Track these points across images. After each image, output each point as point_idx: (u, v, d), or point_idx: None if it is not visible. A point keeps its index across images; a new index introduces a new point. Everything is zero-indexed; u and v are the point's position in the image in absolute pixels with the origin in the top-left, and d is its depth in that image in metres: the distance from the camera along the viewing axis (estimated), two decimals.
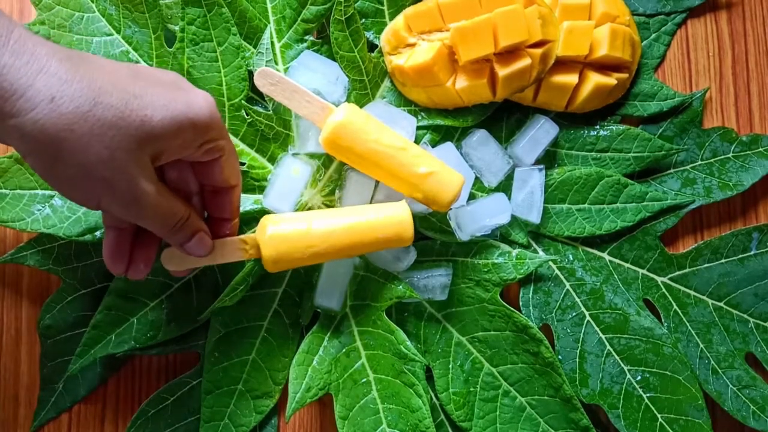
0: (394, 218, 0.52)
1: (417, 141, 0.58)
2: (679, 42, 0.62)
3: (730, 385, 0.57)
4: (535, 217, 0.57)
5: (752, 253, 0.59)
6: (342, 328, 0.56)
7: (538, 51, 0.54)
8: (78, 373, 0.57)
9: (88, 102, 0.38)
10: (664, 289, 0.59)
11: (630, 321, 0.57)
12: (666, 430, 0.56)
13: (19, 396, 0.59)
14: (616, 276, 0.59)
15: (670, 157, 0.60)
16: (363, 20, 0.57)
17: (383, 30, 0.57)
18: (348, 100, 0.57)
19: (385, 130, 0.53)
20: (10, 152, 0.54)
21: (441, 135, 0.58)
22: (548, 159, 0.59)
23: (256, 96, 0.58)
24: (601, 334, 0.58)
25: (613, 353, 0.57)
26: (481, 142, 0.58)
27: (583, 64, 0.57)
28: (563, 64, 0.57)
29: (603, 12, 0.57)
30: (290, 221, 0.51)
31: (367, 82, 0.57)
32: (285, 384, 0.56)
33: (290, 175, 0.55)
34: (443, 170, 0.53)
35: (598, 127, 0.59)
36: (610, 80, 0.57)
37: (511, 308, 0.56)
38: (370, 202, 0.57)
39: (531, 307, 0.58)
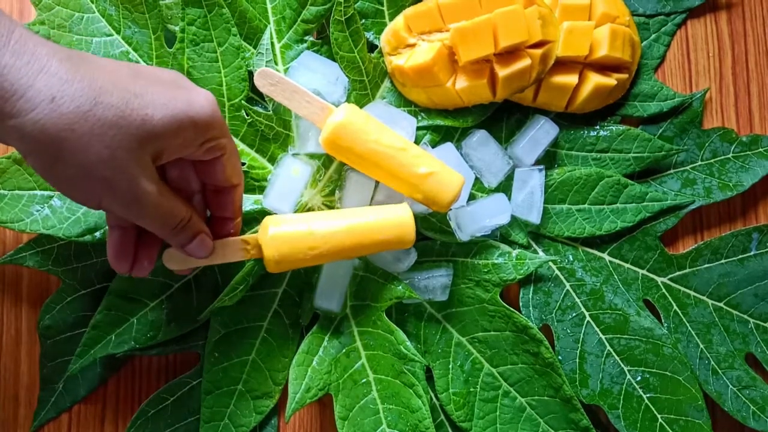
0: (395, 220, 0.52)
1: (417, 141, 0.58)
2: (679, 42, 0.62)
3: (730, 386, 0.57)
4: (535, 218, 0.57)
5: (752, 253, 0.59)
6: (342, 328, 0.56)
7: (538, 51, 0.54)
8: (78, 374, 0.57)
9: (89, 101, 0.37)
10: (664, 290, 0.59)
11: (630, 321, 0.57)
12: (666, 430, 0.56)
13: (19, 396, 0.59)
14: (616, 276, 0.59)
15: (670, 158, 0.60)
16: (363, 21, 0.57)
17: (383, 30, 0.57)
18: (348, 100, 0.57)
19: (385, 131, 0.53)
20: (9, 153, 0.54)
21: (441, 135, 0.58)
22: (548, 159, 0.59)
23: (256, 96, 0.58)
24: (601, 335, 0.58)
25: (613, 354, 0.57)
26: (481, 142, 0.58)
27: (583, 65, 0.57)
28: (563, 64, 0.57)
29: (603, 12, 0.57)
30: (292, 222, 0.51)
31: (367, 82, 0.57)
32: (285, 384, 0.56)
33: (290, 176, 0.55)
34: (443, 171, 0.53)
35: (598, 127, 0.59)
36: (610, 81, 0.57)
37: (511, 309, 0.56)
38: (370, 203, 0.57)
39: (531, 308, 0.58)
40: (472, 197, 0.58)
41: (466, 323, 0.57)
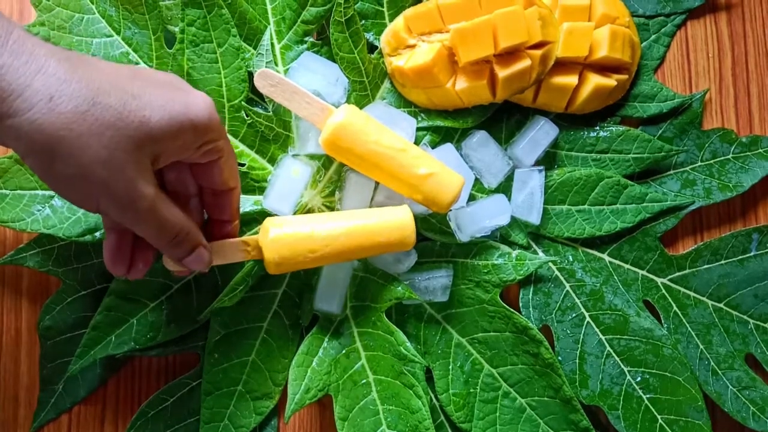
0: (396, 222, 0.52)
1: (417, 142, 0.58)
2: (678, 43, 0.62)
3: (730, 387, 0.57)
4: (534, 218, 0.57)
5: (752, 254, 0.59)
6: (342, 329, 0.56)
7: (538, 52, 0.54)
8: (78, 374, 0.57)
9: (87, 102, 0.37)
10: (663, 290, 0.59)
11: (630, 322, 0.57)
12: (666, 431, 0.56)
13: (19, 397, 0.59)
14: (616, 277, 0.59)
15: (670, 159, 0.60)
16: (363, 21, 0.57)
17: (383, 31, 0.57)
18: (348, 101, 0.57)
19: (384, 132, 0.53)
20: (11, 152, 0.54)
21: (441, 136, 0.59)
22: (548, 160, 0.59)
23: (256, 97, 0.58)
24: (601, 335, 0.58)
25: (613, 354, 0.57)
26: (480, 143, 0.58)
27: (582, 66, 0.57)
28: (563, 65, 0.57)
29: (603, 13, 0.57)
30: (292, 224, 0.51)
31: (367, 83, 0.57)
32: (285, 385, 0.56)
33: (290, 176, 0.55)
34: (443, 171, 0.53)
35: (597, 128, 0.59)
36: (610, 81, 0.57)
37: (511, 309, 0.56)
38: (370, 204, 0.57)
39: (531, 308, 0.58)
40: (472, 198, 0.58)
41: (466, 324, 0.57)
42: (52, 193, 0.54)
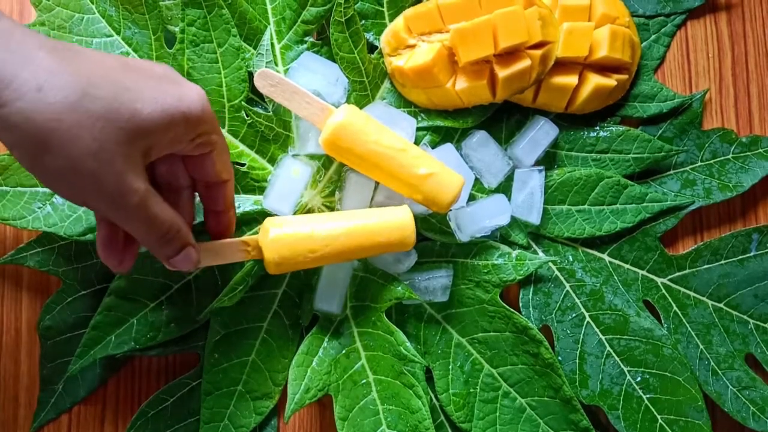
0: (396, 222, 0.52)
1: (417, 142, 0.58)
2: (678, 43, 0.62)
3: (730, 386, 0.57)
4: (534, 218, 0.57)
5: (752, 254, 0.59)
6: (342, 329, 0.56)
7: (538, 52, 0.54)
8: (78, 374, 0.57)
9: (77, 93, 0.37)
10: (663, 290, 0.59)
11: (630, 322, 0.57)
12: (666, 431, 0.56)
13: (19, 397, 0.59)
14: (615, 277, 0.59)
15: (670, 159, 0.60)
16: (363, 21, 0.57)
17: (383, 31, 0.57)
18: (348, 101, 0.57)
19: (384, 132, 0.53)
20: None
21: (441, 136, 0.59)
22: (548, 160, 0.59)
23: (256, 97, 0.58)
24: (600, 335, 0.58)
25: (613, 354, 0.57)
26: (480, 143, 0.58)
27: (582, 66, 0.57)
28: (563, 65, 0.57)
29: (603, 13, 0.57)
30: (292, 224, 0.51)
31: (366, 83, 0.58)
32: (285, 385, 0.56)
33: (290, 176, 0.55)
34: (443, 171, 0.53)
35: (597, 128, 0.59)
36: (610, 81, 0.57)
37: (511, 309, 0.56)
38: (370, 204, 0.57)
39: (531, 308, 0.58)
40: (472, 198, 0.58)
41: (465, 324, 0.57)
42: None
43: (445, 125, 0.58)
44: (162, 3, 0.57)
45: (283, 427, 0.59)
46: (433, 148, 0.58)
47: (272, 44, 0.57)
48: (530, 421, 0.55)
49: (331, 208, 0.57)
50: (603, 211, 0.58)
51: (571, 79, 0.56)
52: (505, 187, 0.59)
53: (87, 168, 0.37)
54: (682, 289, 0.59)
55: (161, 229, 0.42)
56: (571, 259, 0.59)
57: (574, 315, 0.58)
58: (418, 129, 0.58)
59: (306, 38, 0.57)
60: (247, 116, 0.56)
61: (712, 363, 0.57)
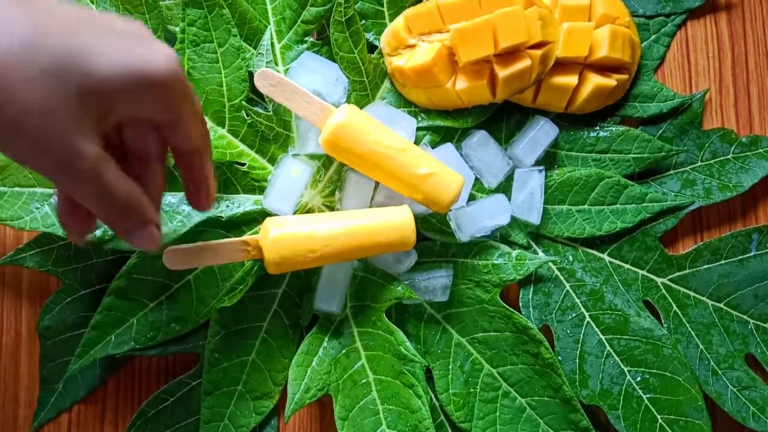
0: (396, 222, 0.52)
1: (417, 142, 0.58)
2: (678, 43, 0.62)
3: (730, 386, 0.57)
4: (535, 218, 0.57)
5: (752, 254, 0.59)
6: (342, 329, 0.56)
7: (538, 52, 0.54)
8: (77, 374, 0.57)
9: (27, 43, 0.33)
10: (663, 290, 0.59)
11: (630, 322, 0.57)
12: (666, 431, 0.56)
13: (19, 397, 0.59)
14: (616, 277, 0.59)
15: (670, 159, 0.60)
16: (363, 21, 0.57)
17: (383, 31, 0.57)
18: (348, 101, 0.57)
19: (384, 131, 0.53)
20: None
21: (441, 136, 0.59)
22: (548, 160, 0.59)
23: (256, 97, 0.58)
24: (600, 335, 0.58)
25: (613, 354, 0.57)
26: (480, 143, 0.58)
27: (582, 66, 0.57)
28: (563, 65, 0.57)
29: (603, 13, 0.57)
30: (293, 224, 0.51)
31: (367, 83, 0.58)
32: (285, 385, 0.56)
33: (290, 176, 0.55)
34: (443, 171, 0.53)
35: (597, 128, 0.59)
36: (610, 81, 0.57)
37: (511, 309, 0.56)
38: (370, 204, 0.57)
39: (531, 308, 0.58)
40: (472, 198, 0.58)
41: (465, 324, 0.57)
42: (51, 191, 0.54)
43: (445, 125, 0.58)
44: (162, 3, 0.57)
45: (283, 427, 0.59)
46: (433, 148, 0.58)
47: (272, 44, 0.57)
48: (530, 420, 0.55)
49: (331, 208, 0.57)
50: (603, 211, 0.58)
51: (571, 79, 0.56)
52: (505, 187, 0.59)
53: (30, 125, 0.34)
54: (682, 289, 0.59)
55: (116, 200, 0.38)
56: (571, 259, 0.59)
57: (574, 315, 0.58)
58: (418, 129, 0.58)
59: (306, 38, 0.57)
60: (248, 116, 0.56)
61: (712, 363, 0.57)
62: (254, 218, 0.56)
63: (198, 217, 0.55)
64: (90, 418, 0.59)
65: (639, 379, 0.57)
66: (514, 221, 0.58)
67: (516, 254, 0.56)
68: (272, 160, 0.57)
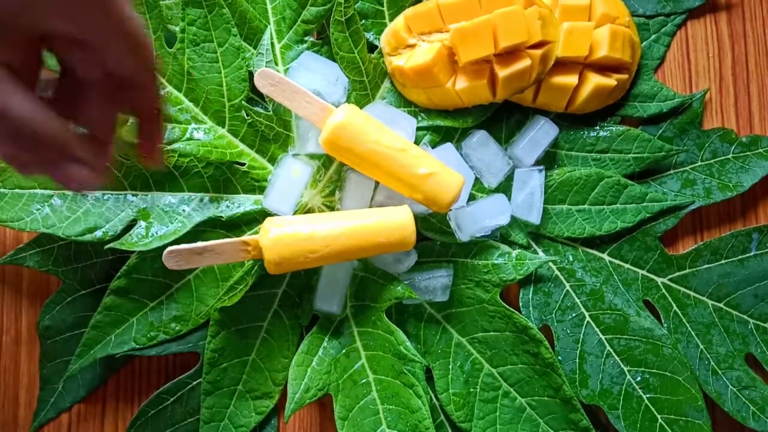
0: (396, 222, 0.52)
1: (417, 142, 0.58)
2: (678, 43, 0.62)
3: (730, 386, 0.57)
4: (535, 218, 0.57)
5: (752, 254, 0.59)
6: (342, 328, 0.56)
7: (538, 52, 0.54)
8: (78, 374, 0.57)
9: None
10: (663, 290, 0.59)
11: (630, 322, 0.57)
12: (666, 430, 0.56)
13: (19, 396, 0.59)
14: (616, 277, 0.59)
15: (670, 158, 0.60)
16: (363, 21, 0.57)
17: (383, 31, 0.57)
18: (348, 100, 0.57)
19: (384, 131, 0.53)
20: None
21: (441, 136, 0.59)
22: (548, 160, 0.59)
23: (256, 97, 0.58)
24: (600, 335, 0.58)
25: (613, 354, 0.57)
26: (480, 143, 0.58)
27: (582, 65, 0.57)
28: (563, 65, 0.57)
29: (603, 13, 0.57)
30: (293, 224, 0.51)
31: (367, 82, 0.57)
32: (285, 385, 0.56)
33: (290, 176, 0.55)
34: (443, 171, 0.53)
35: (597, 128, 0.59)
36: (610, 81, 0.57)
37: (511, 309, 0.56)
38: (370, 203, 0.57)
39: (531, 308, 0.58)
40: (472, 198, 0.58)
41: (465, 324, 0.57)
42: (51, 192, 0.54)
43: (445, 125, 0.58)
44: (162, 2, 0.56)
45: (283, 427, 0.59)
46: (433, 147, 0.58)
47: (272, 44, 0.57)
48: (530, 420, 0.55)
49: (331, 208, 0.57)
50: (603, 211, 0.58)
51: (571, 79, 0.56)
52: (505, 187, 0.59)
53: None
54: (682, 289, 0.59)
55: (21, 130, 0.33)
56: (571, 258, 0.59)
57: (574, 315, 0.58)
58: (418, 129, 0.58)
59: (306, 38, 0.57)
60: (248, 116, 0.56)
61: (712, 363, 0.57)
62: (254, 218, 0.56)
63: (198, 217, 0.55)
64: (90, 417, 0.59)
65: (639, 378, 0.57)
66: (514, 221, 0.58)
67: (516, 254, 0.56)
68: (272, 160, 0.57)
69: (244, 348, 0.56)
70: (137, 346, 0.55)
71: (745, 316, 0.58)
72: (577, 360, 0.57)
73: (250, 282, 0.55)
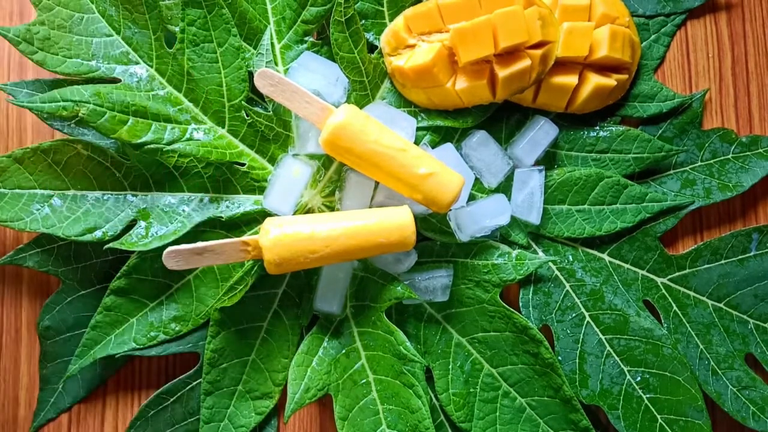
0: (396, 223, 0.52)
1: (417, 142, 0.58)
2: (678, 43, 0.62)
3: (730, 386, 0.57)
4: (534, 218, 0.57)
5: (752, 254, 0.59)
6: (342, 329, 0.56)
7: (538, 52, 0.54)
8: (78, 374, 0.57)
9: None
10: (663, 290, 0.59)
11: (630, 322, 0.57)
12: (666, 431, 0.56)
13: (19, 397, 0.59)
14: (615, 277, 0.59)
15: (670, 158, 0.60)
16: (363, 21, 0.57)
17: (383, 31, 0.57)
18: (348, 101, 0.57)
19: (384, 131, 0.53)
20: (10, 151, 0.54)
21: (441, 136, 0.59)
22: (548, 160, 0.59)
23: (256, 97, 0.58)
24: (600, 335, 0.58)
25: (613, 354, 0.57)
26: (480, 143, 0.58)
27: (582, 65, 0.57)
28: (563, 65, 0.57)
29: (603, 13, 0.57)
30: (293, 224, 0.51)
31: (367, 83, 0.58)
32: (285, 385, 0.56)
33: (290, 176, 0.55)
34: (443, 171, 0.53)
35: (597, 128, 0.59)
36: (610, 81, 0.57)
37: (511, 309, 0.56)
38: (370, 203, 0.57)
39: (531, 308, 0.58)
40: (471, 198, 0.58)
41: (465, 324, 0.57)
42: (51, 192, 0.54)
43: (445, 125, 0.58)
44: (162, 3, 0.56)
45: (283, 427, 0.59)
46: (433, 148, 0.58)
47: (272, 44, 0.57)
48: (530, 420, 0.55)
49: (331, 208, 0.57)
50: (603, 211, 0.58)
51: (571, 79, 0.56)
52: (505, 187, 0.59)
53: None
54: (682, 289, 0.59)
55: None
56: (571, 258, 0.59)
57: (574, 315, 0.58)
58: (418, 129, 0.58)
59: (306, 38, 0.57)
60: (247, 116, 0.56)
61: (712, 363, 0.57)
62: (254, 218, 0.56)
63: (198, 217, 0.55)
64: (90, 418, 0.59)
65: (639, 379, 0.57)
66: (514, 221, 0.58)
67: (516, 254, 0.56)
68: (272, 160, 0.57)
69: (244, 348, 0.56)
70: (137, 346, 0.55)
71: (745, 316, 0.58)
72: (577, 360, 0.57)
73: (250, 282, 0.55)
